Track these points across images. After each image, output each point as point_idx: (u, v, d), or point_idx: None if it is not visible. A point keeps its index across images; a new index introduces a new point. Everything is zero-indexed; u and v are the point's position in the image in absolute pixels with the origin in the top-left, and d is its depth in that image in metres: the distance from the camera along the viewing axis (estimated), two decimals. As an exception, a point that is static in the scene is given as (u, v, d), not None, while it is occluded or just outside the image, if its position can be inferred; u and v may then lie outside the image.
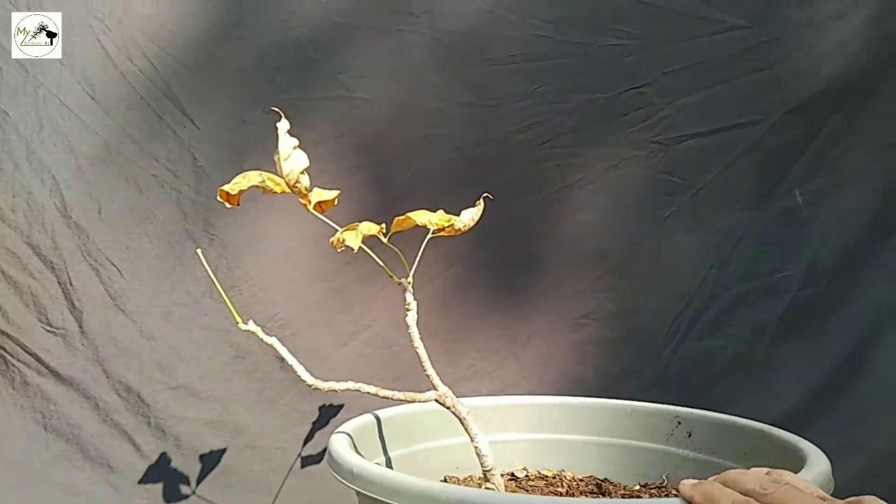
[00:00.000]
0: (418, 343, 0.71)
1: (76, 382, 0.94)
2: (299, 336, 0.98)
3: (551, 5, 0.99)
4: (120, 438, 0.95)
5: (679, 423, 0.78)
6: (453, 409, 0.70)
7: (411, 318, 0.70)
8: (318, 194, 0.67)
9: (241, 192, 0.64)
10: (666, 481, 0.77)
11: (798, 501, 0.42)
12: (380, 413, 0.79)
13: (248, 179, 0.64)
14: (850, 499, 0.44)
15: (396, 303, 1.01)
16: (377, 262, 0.68)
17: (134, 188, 0.94)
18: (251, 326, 0.67)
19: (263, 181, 0.64)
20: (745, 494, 0.45)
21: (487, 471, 0.70)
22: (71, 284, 0.93)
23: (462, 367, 1.02)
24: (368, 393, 0.68)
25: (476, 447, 0.69)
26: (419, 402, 0.70)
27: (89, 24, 0.92)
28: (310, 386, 0.67)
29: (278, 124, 0.63)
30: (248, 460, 0.97)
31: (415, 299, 0.71)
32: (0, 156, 0.91)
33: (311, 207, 0.65)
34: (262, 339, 0.68)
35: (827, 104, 1.03)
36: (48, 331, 0.94)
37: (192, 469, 0.96)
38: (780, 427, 0.72)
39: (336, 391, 0.67)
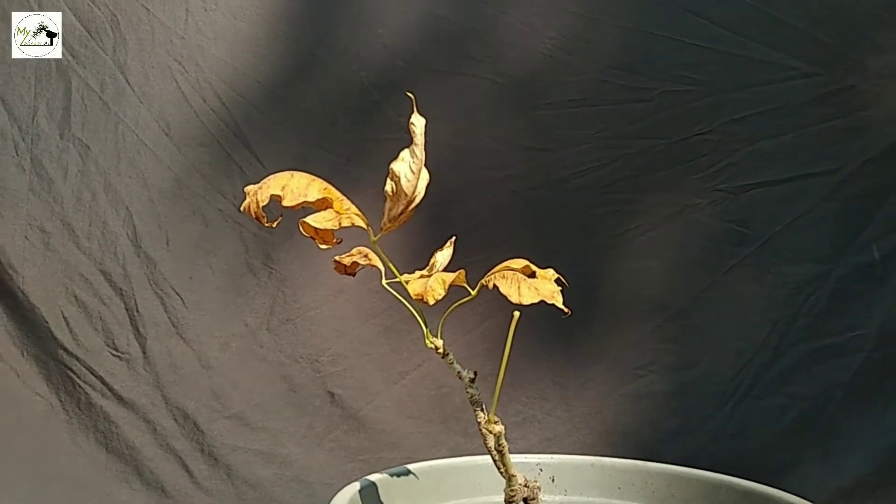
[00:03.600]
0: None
1: (137, 406, 0.98)
2: (349, 371, 0.99)
3: (616, 51, 0.99)
4: (175, 463, 0.98)
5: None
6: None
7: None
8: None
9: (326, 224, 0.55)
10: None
11: None
12: (409, 466, 0.70)
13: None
14: None
15: (447, 343, 1.01)
16: (416, 318, 0.57)
17: (200, 221, 0.98)
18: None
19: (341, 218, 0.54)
20: None
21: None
22: (137, 311, 0.98)
23: (511, 412, 1.00)
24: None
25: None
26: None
27: (168, 66, 0.97)
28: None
29: (415, 119, 0.55)
30: (296, 494, 0.98)
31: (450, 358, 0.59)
32: (79, 186, 0.97)
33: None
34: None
35: (907, 155, 0.98)
36: (114, 355, 0.98)
37: (241, 498, 0.98)
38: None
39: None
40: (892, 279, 0.99)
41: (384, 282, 0.54)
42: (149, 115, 0.97)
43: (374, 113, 0.98)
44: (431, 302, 0.52)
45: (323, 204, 0.52)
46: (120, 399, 0.98)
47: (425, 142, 0.93)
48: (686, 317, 1.01)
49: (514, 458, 0.66)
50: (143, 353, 0.98)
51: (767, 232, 1.00)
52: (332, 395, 1.00)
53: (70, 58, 0.97)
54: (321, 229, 0.52)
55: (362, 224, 0.53)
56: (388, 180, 0.53)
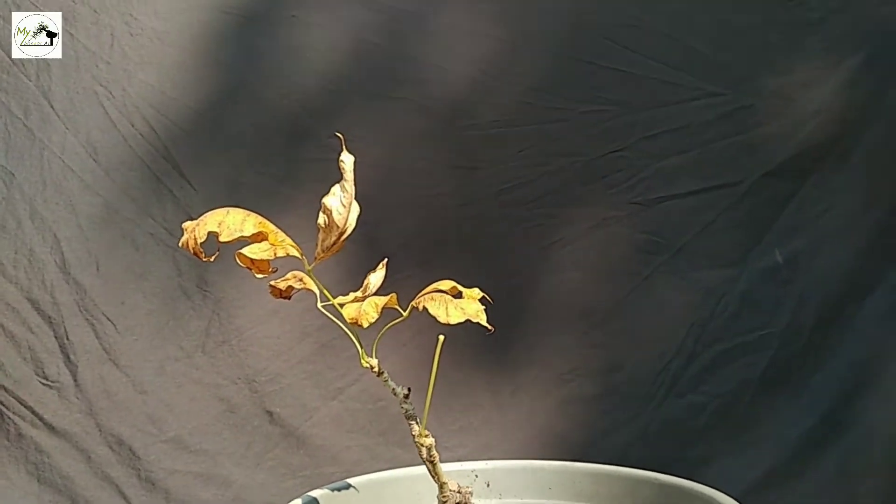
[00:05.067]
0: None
1: (69, 435, 0.96)
2: (287, 390, 1.00)
3: (534, 74, 1.04)
4: (111, 491, 0.97)
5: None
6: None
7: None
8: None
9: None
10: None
11: None
12: (352, 481, 0.72)
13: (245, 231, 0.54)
14: None
15: (382, 357, 1.03)
16: (351, 339, 0.58)
17: (131, 246, 0.98)
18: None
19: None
20: None
21: None
22: (67, 339, 0.96)
23: (448, 421, 1.04)
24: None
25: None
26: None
27: (94, 91, 0.97)
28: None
29: (344, 157, 0.58)
30: (236, 514, 0.99)
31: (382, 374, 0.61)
32: (4, 214, 0.96)
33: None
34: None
35: (802, 167, 1.06)
36: (44, 384, 0.96)
37: (180, 522, 0.98)
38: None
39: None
40: (796, 281, 1.07)
41: (319, 305, 0.57)
42: (75, 140, 0.96)
43: (305, 136, 1.00)
44: (365, 325, 0.55)
45: (259, 237, 0.55)
46: (51, 428, 0.96)
47: (355, 167, 0.96)
48: (609, 322, 1.06)
49: (451, 466, 0.69)
50: (75, 380, 0.97)
51: (679, 241, 1.06)
52: (270, 413, 1.01)
53: (-9, 84, 0.95)
54: (257, 260, 0.55)
55: (297, 254, 0.56)
56: (321, 213, 0.57)
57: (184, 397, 0.99)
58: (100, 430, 0.97)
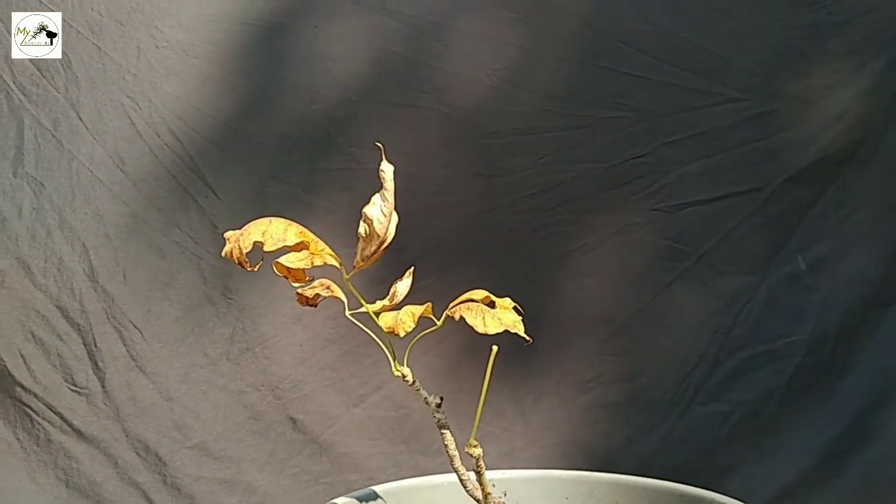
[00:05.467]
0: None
1: (97, 441, 0.98)
2: (310, 397, 1.01)
3: (554, 82, 1.04)
4: (137, 496, 0.98)
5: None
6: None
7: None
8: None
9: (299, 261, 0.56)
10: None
11: None
12: (376, 488, 0.71)
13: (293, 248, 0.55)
14: None
15: (408, 363, 1.04)
16: (383, 348, 0.58)
17: (157, 255, 0.99)
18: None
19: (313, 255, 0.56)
20: None
21: None
22: (96, 346, 0.98)
23: (470, 429, 1.03)
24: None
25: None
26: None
27: (121, 102, 0.98)
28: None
29: (384, 167, 0.57)
30: (260, 520, 1.00)
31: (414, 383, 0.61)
32: (34, 223, 0.98)
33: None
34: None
35: (824, 172, 1.06)
36: (73, 390, 0.98)
37: (204, 528, 0.99)
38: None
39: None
40: (819, 287, 1.06)
41: (348, 313, 0.57)
42: (103, 151, 0.98)
43: (327, 144, 1.01)
44: (402, 334, 0.55)
45: (300, 246, 0.55)
46: (80, 434, 0.98)
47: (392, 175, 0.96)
48: (631, 330, 1.06)
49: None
50: (103, 387, 0.98)
51: (702, 247, 1.06)
52: (293, 420, 1.02)
53: (21, 97, 0.97)
54: (294, 269, 0.55)
55: (335, 263, 0.56)
56: (362, 223, 0.57)
57: (209, 404, 1.00)
58: (127, 436, 0.98)
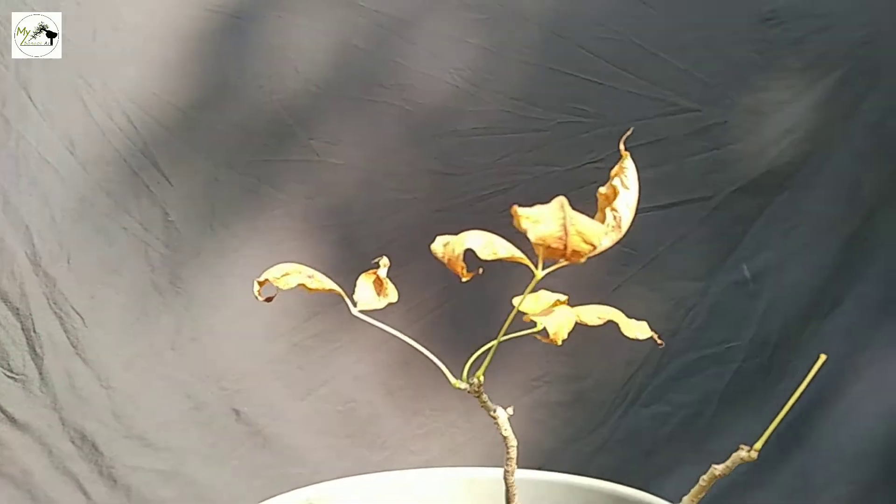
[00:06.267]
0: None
1: (32, 429, 0.95)
2: (256, 389, 1.00)
3: (515, 84, 1.05)
4: (71, 486, 0.96)
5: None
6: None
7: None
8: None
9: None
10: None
11: None
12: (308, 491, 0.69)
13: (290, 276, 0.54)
14: None
15: (354, 360, 1.04)
16: (436, 364, 0.56)
17: (105, 240, 0.97)
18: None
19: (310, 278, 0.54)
20: None
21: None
22: (34, 332, 0.95)
23: (415, 424, 1.04)
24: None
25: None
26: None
27: (74, 84, 0.95)
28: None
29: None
30: (200, 513, 0.98)
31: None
32: (-25, 204, 0.94)
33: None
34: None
35: (772, 184, 1.09)
36: (8, 376, 0.95)
37: (142, 520, 0.97)
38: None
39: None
40: (762, 295, 1.09)
41: (354, 310, 0.55)
42: (52, 133, 0.95)
43: (286, 137, 1.00)
44: (560, 342, 0.52)
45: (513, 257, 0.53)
46: (13, 421, 0.95)
47: (337, 164, 0.96)
48: (578, 331, 1.07)
49: (378, 476, 0.69)
50: (40, 373, 0.95)
51: (652, 252, 1.08)
52: (237, 412, 1.00)
53: (-33, 72, 0.94)
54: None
55: (528, 263, 0.54)
56: (610, 214, 0.52)
57: (150, 394, 0.98)
58: (63, 425, 0.96)
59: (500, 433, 0.57)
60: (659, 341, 0.57)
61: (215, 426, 0.99)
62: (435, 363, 0.55)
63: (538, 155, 1.05)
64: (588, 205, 1.07)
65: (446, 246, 0.53)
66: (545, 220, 0.48)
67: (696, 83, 1.07)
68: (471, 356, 0.58)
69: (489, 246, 0.53)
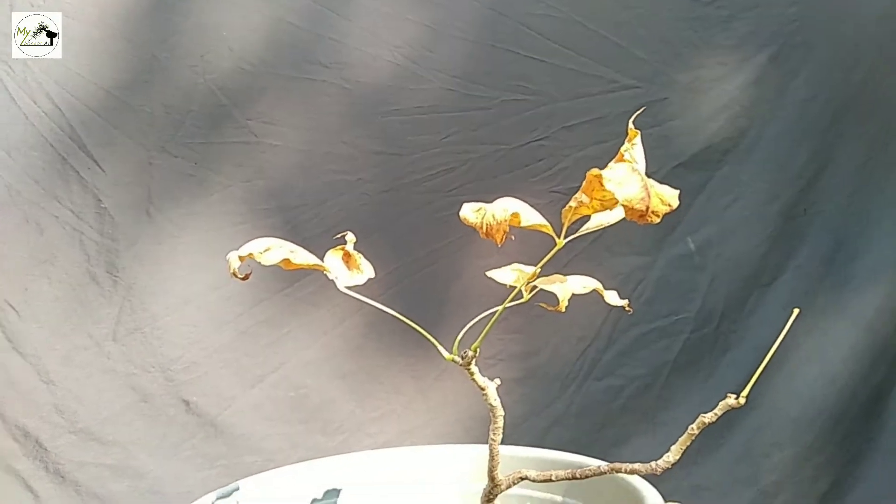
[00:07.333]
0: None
1: (-31, 428, 0.92)
2: (204, 378, 0.98)
3: (457, 62, 1.04)
4: (17, 484, 0.93)
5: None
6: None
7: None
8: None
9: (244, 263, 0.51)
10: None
11: None
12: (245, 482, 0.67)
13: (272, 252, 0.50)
14: None
15: (304, 345, 1.03)
16: (428, 338, 0.57)
17: (35, 230, 0.93)
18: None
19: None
20: None
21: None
22: (-34, 327, 0.91)
23: (370, 408, 1.03)
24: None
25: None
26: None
27: (-8, 66, 0.91)
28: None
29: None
30: (150, 506, 0.96)
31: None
32: None
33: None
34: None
35: (712, 159, 1.11)
36: (-60, 374, 0.91)
37: (90, 516, 0.94)
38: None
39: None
40: (707, 267, 1.11)
41: (342, 287, 0.54)
42: (-28, 116, 0.91)
43: (220, 117, 0.97)
44: (563, 309, 0.54)
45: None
46: (-51, 421, 0.91)
47: (276, 145, 0.94)
48: (529, 309, 1.07)
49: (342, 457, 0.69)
50: (-26, 370, 0.92)
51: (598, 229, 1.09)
52: (186, 403, 0.98)
53: None
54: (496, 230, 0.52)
55: (549, 231, 0.55)
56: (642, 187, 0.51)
57: (93, 387, 0.95)
58: (3, 421, 0.93)
59: (489, 403, 0.58)
60: (628, 308, 0.59)
61: (164, 417, 0.97)
62: (427, 338, 0.56)
63: (483, 133, 1.05)
64: (533, 183, 1.08)
65: (480, 212, 0.52)
66: (629, 183, 0.49)
67: (635, 60, 1.08)
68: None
69: (523, 212, 0.53)
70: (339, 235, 0.57)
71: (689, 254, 1.12)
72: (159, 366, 0.98)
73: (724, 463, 1.07)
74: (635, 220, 0.50)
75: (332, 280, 0.54)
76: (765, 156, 1.11)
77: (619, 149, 0.54)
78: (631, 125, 0.54)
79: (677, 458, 0.48)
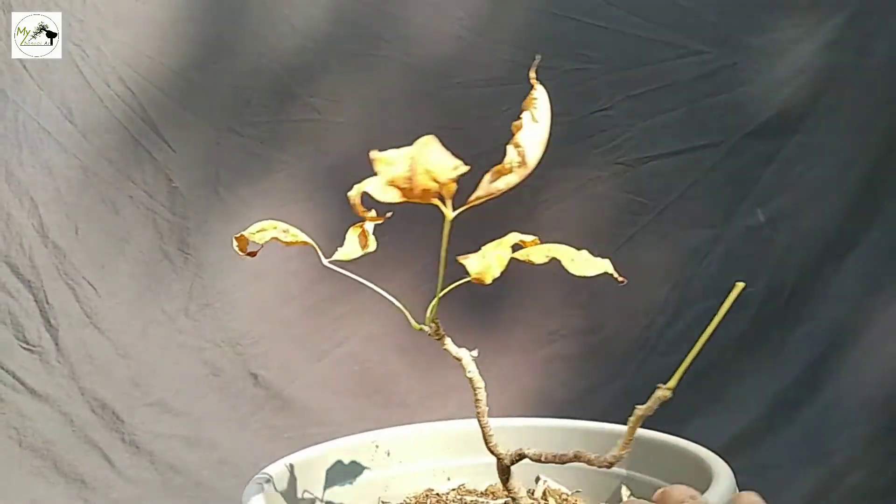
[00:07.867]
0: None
1: (52, 399, 0.96)
2: (272, 353, 1.00)
3: (519, 32, 1.02)
4: (94, 454, 0.97)
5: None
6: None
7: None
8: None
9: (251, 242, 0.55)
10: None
11: None
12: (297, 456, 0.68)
13: (266, 231, 0.54)
14: None
15: (368, 320, 1.04)
16: (399, 308, 0.56)
17: (110, 209, 0.96)
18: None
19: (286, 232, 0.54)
20: None
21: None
22: (48, 303, 0.95)
23: (433, 382, 1.04)
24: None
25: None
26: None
27: (67, 50, 0.94)
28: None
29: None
30: (222, 476, 0.99)
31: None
32: (-22, 178, 0.94)
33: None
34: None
35: (784, 126, 1.07)
36: (25, 349, 0.95)
37: (166, 485, 0.98)
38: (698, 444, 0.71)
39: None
40: (776, 240, 1.08)
41: (325, 261, 0.55)
42: (50, 102, 0.94)
43: (286, 96, 0.98)
44: (488, 281, 0.51)
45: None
46: (33, 393, 0.95)
47: (339, 122, 0.93)
48: (592, 284, 1.06)
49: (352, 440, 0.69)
50: (56, 345, 0.96)
51: (663, 201, 1.07)
52: (255, 376, 1.01)
53: (-41, 43, 0.93)
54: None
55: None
56: (512, 150, 0.51)
57: (167, 360, 0.98)
58: (82, 395, 0.97)
59: (466, 375, 0.57)
60: (620, 279, 0.55)
61: (234, 390, 1.00)
62: (398, 307, 0.55)
63: (545, 105, 1.03)
64: (596, 155, 1.06)
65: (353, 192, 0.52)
66: (396, 162, 0.49)
67: (705, 25, 1.04)
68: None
69: (388, 190, 0.50)
70: (387, 215, 0.56)
71: (758, 226, 1.08)
72: (229, 340, 1.00)
73: (795, 440, 1.04)
74: (412, 199, 0.50)
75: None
76: (840, 122, 1.07)
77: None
78: (532, 75, 0.51)
79: (623, 452, 0.46)
